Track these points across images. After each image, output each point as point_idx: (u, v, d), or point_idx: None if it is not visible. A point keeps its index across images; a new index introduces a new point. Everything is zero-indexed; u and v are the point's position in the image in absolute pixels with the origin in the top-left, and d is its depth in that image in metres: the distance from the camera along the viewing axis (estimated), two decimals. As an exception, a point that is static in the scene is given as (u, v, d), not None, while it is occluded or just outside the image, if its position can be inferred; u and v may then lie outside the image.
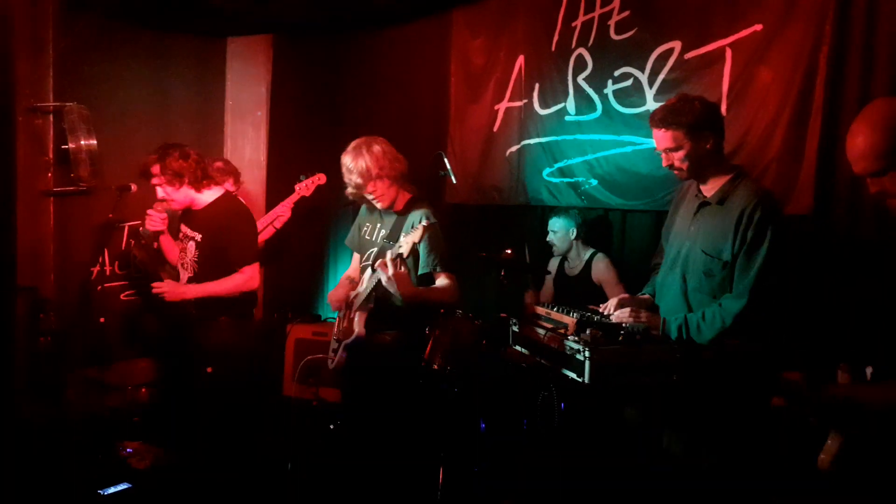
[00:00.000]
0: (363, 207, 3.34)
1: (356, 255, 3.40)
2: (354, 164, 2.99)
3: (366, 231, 3.29)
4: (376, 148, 3.01)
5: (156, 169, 3.45)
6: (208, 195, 3.57)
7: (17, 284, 4.09)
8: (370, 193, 3.04)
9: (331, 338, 3.32)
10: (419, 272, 3.02)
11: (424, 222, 2.84)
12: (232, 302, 3.49)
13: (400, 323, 3.03)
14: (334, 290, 3.34)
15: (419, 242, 2.74)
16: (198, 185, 3.50)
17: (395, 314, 2.99)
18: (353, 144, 3.06)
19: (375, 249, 3.15)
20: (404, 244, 2.75)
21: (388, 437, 3.09)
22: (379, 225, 3.21)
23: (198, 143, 5.15)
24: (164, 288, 3.45)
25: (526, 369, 3.29)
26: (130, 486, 3.48)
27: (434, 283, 3.05)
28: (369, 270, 3.04)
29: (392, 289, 2.82)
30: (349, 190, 3.09)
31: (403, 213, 3.11)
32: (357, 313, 3.05)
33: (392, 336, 3.07)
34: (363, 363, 3.11)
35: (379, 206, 3.10)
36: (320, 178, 4.56)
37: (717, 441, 2.45)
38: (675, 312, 2.63)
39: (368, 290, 2.99)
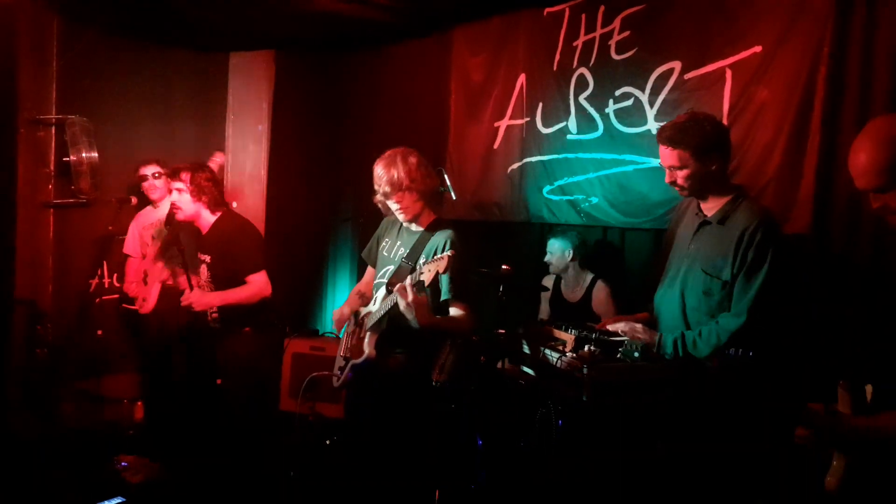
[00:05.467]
0: (384, 220, 3.24)
1: (370, 269, 3.30)
2: (386, 171, 2.89)
3: (384, 246, 3.18)
4: (412, 160, 2.91)
5: (186, 176, 3.66)
6: (212, 217, 3.75)
7: (16, 296, 4.14)
8: (396, 203, 2.94)
9: (336, 354, 3.24)
10: (441, 299, 2.90)
11: (449, 250, 2.76)
12: (254, 312, 3.63)
13: (410, 344, 2.96)
14: (340, 308, 3.25)
15: (444, 272, 2.63)
16: (212, 208, 3.73)
17: (405, 335, 2.90)
18: (387, 154, 2.95)
19: (392, 267, 3.03)
20: (426, 272, 2.64)
21: (388, 455, 3.03)
22: (399, 242, 3.09)
23: (198, 157, 5.18)
24: (192, 298, 3.62)
25: (524, 386, 3.28)
26: (124, 500, 3.46)
27: (449, 311, 2.93)
28: (383, 289, 2.93)
29: (410, 315, 2.71)
30: (377, 196, 2.98)
31: (425, 233, 3.00)
32: (368, 333, 2.95)
33: (401, 357, 2.97)
34: (371, 384, 3.04)
35: (401, 217, 3.00)
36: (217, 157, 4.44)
37: (719, 458, 2.44)
38: (673, 331, 2.63)
39: (382, 312, 2.89)
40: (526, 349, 3.08)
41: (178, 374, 3.93)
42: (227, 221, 3.76)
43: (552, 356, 2.88)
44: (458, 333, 2.99)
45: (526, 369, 3.13)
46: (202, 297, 3.63)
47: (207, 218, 3.74)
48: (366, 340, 2.93)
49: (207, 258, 3.71)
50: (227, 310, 3.62)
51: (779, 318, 2.45)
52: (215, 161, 4.31)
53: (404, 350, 2.96)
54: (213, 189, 3.71)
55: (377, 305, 2.97)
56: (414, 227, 3.04)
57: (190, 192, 3.66)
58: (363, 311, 3.09)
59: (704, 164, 2.52)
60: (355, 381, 3.07)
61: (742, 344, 1.88)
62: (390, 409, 2.99)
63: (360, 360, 2.94)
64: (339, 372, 3.13)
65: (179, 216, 3.72)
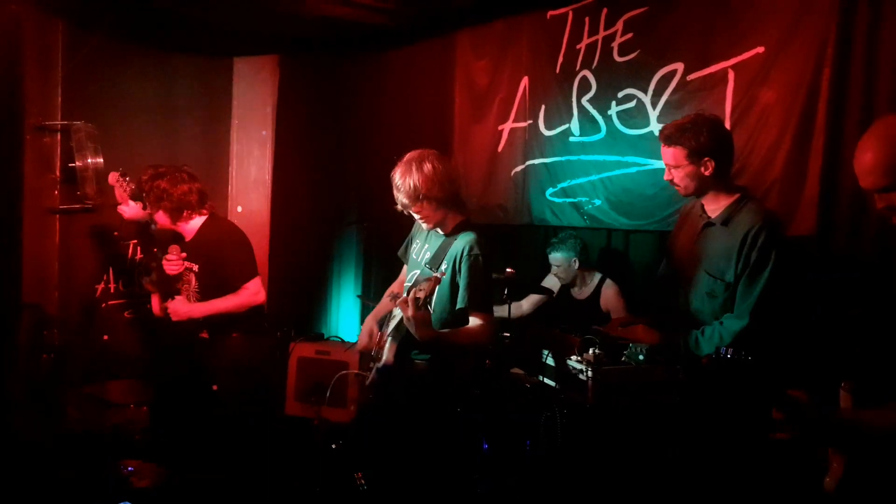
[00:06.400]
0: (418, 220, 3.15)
1: (406, 268, 3.25)
2: (402, 181, 2.78)
3: (414, 248, 3.13)
4: (427, 167, 2.77)
5: (147, 186, 3.51)
6: (194, 223, 3.58)
7: (22, 301, 4.15)
8: (416, 213, 2.87)
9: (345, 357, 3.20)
10: (457, 307, 2.82)
11: (467, 251, 2.75)
12: (243, 318, 3.51)
13: (431, 351, 2.89)
14: (369, 318, 3.18)
15: (429, 294, 2.59)
16: (174, 215, 3.52)
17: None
18: (405, 158, 2.84)
19: (418, 272, 3.00)
20: (422, 290, 2.60)
21: (396, 458, 3.03)
22: (427, 246, 3.04)
23: (203, 162, 5.21)
24: (172, 307, 3.50)
25: (529, 389, 3.28)
26: (131, 504, 3.47)
27: (467, 319, 2.84)
28: (404, 295, 2.87)
29: (411, 329, 2.66)
30: (398, 206, 2.90)
31: (451, 236, 2.92)
32: (389, 339, 2.89)
33: (424, 363, 2.91)
34: (392, 387, 3.01)
35: (424, 226, 2.96)
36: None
37: (720, 459, 2.43)
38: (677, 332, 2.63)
39: (398, 320, 2.84)
40: (550, 360, 3.07)
41: (177, 379, 3.90)
42: (212, 228, 3.59)
43: (569, 363, 2.88)
44: (470, 346, 2.88)
45: (535, 374, 3.13)
46: (181, 308, 3.49)
47: (184, 226, 3.58)
48: (386, 346, 2.90)
49: (195, 267, 3.56)
50: (213, 317, 3.50)
51: (781, 319, 2.45)
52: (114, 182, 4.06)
53: (426, 357, 2.91)
54: (171, 194, 3.47)
55: (398, 311, 2.90)
56: (440, 230, 2.98)
57: (149, 202, 3.51)
58: (394, 311, 3.02)
59: (698, 166, 2.55)
60: (378, 385, 3.03)
61: (744, 345, 1.88)
62: (407, 416, 2.97)
63: (380, 365, 2.92)
64: (367, 372, 3.11)
65: (159, 225, 3.61)
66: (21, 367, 4.18)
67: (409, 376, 2.91)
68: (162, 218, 3.55)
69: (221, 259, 3.49)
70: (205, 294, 3.55)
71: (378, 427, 3.12)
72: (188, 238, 3.61)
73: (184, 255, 3.55)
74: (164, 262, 3.55)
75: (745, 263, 2.44)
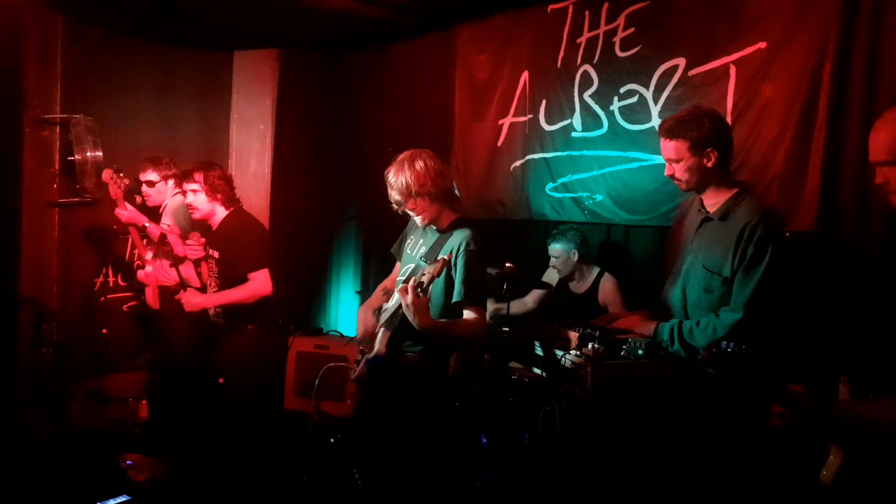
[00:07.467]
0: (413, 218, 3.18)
1: (398, 265, 3.27)
2: (395, 179, 2.85)
3: (409, 244, 3.15)
4: (419, 164, 2.85)
5: (199, 177, 3.72)
6: (222, 213, 3.80)
7: (21, 295, 4.15)
8: (410, 210, 2.92)
9: (355, 349, 3.25)
10: (452, 301, 2.83)
11: (463, 247, 2.78)
12: (255, 310, 3.64)
13: (424, 343, 2.94)
14: (364, 310, 3.20)
15: (437, 276, 2.62)
16: (227, 204, 3.79)
17: (419, 334, 2.79)
18: (398, 158, 2.91)
19: (412, 266, 3.02)
20: (426, 274, 2.63)
21: (392, 453, 3.03)
22: (421, 241, 3.07)
23: (203, 156, 5.17)
24: (184, 299, 3.68)
25: (528, 384, 3.28)
26: (129, 498, 3.47)
27: (461, 315, 2.85)
28: (402, 284, 2.87)
29: (409, 316, 2.67)
30: (393, 205, 2.96)
31: (446, 233, 2.96)
32: (381, 329, 2.93)
33: (416, 355, 2.93)
34: (382, 380, 3.02)
35: (419, 222, 2.98)
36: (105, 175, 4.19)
37: (719, 456, 2.43)
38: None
39: (393, 310, 2.87)
40: (539, 350, 3.07)
41: (184, 370, 3.93)
42: (235, 218, 3.80)
43: (556, 354, 2.88)
44: (467, 339, 2.89)
45: (535, 369, 3.13)
46: (193, 298, 3.69)
47: (221, 215, 3.80)
48: (378, 336, 2.92)
49: (216, 254, 3.75)
50: (230, 307, 3.66)
51: (778, 313, 2.45)
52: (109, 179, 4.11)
53: (419, 349, 2.92)
54: (225, 186, 3.77)
55: (391, 303, 2.96)
56: (435, 226, 3.01)
57: (205, 192, 3.71)
58: (384, 306, 3.07)
59: (700, 158, 2.54)
60: (367, 377, 3.04)
61: (740, 339, 1.88)
62: (398, 410, 2.97)
63: (371, 356, 2.93)
64: (355, 365, 3.13)
65: (196, 216, 3.79)
66: (20, 362, 4.18)
67: (400, 368, 2.92)
68: (207, 206, 3.73)
69: (235, 247, 3.67)
70: (223, 279, 3.73)
71: (372, 421, 3.12)
72: (214, 227, 3.80)
73: (203, 240, 3.76)
74: (185, 246, 3.80)
75: (742, 257, 2.44)
